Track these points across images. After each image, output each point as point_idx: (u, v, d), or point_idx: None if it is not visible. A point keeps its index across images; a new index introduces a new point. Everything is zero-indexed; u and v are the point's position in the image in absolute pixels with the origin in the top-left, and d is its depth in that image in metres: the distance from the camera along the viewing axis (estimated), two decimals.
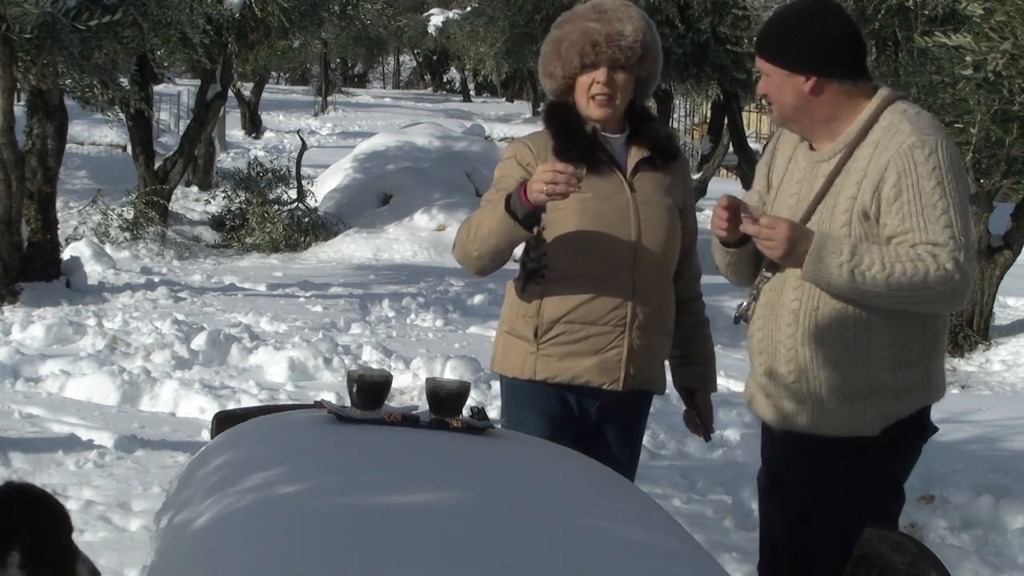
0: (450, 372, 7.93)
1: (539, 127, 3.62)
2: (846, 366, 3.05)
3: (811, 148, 3.18)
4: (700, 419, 3.77)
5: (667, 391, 3.70)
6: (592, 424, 3.52)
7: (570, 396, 3.49)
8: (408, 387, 7.81)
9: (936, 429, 3.22)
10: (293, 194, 16.49)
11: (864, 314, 3.03)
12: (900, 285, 2.95)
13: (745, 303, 3.24)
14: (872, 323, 3.04)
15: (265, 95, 31.42)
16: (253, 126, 29.29)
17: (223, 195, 16.59)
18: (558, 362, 3.45)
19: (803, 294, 3.06)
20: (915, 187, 2.97)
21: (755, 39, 3.18)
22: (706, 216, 17.67)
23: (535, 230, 3.39)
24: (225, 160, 21.94)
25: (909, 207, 2.97)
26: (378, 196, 16.83)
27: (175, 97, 26.34)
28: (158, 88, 19.10)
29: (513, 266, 3.66)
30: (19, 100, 11.62)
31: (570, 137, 3.46)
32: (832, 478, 3.11)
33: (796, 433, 3.13)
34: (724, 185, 23.84)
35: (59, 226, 11.24)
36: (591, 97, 3.45)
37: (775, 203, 3.22)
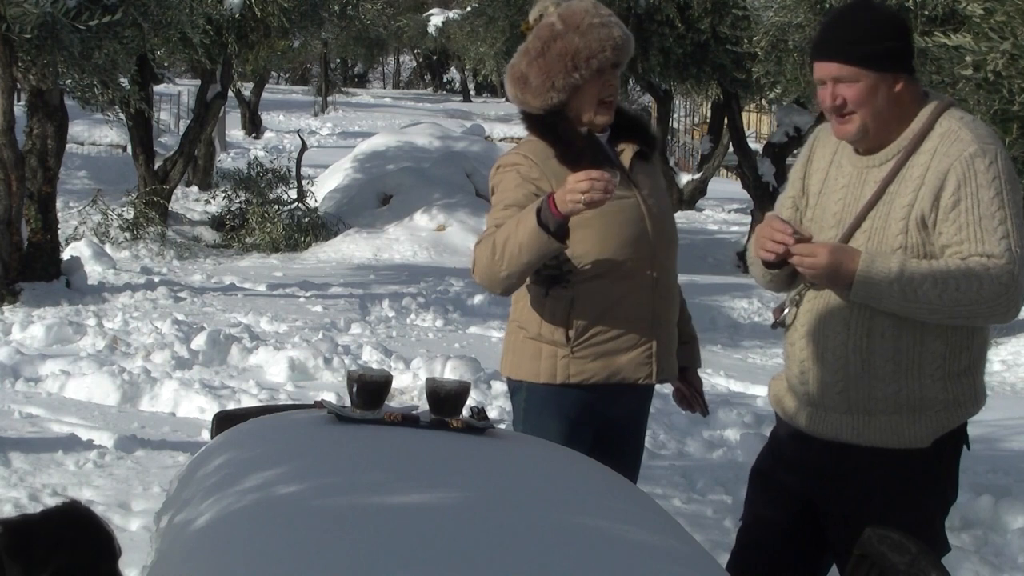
0: (450, 372, 7.93)
1: None
2: (897, 376, 3.00)
3: (857, 152, 3.09)
4: (696, 393, 3.78)
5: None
6: (609, 422, 3.53)
7: (594, 397, 3.49)
8: (408, 387, 7.81)
9: (969, 445, 3.18)
10: (293, 194, 16.49)
11: (917, 324, 2.98)
12: (955, 300, 2.90)
13: (786, 309, 3.16)
14: (925, 333, 2.99)
15: (265, 95, 31.42)
16: (253, 126, 29.28)
17: (223, 195, 16.59)
18: (592, 363, 3.45)
19: (854, 302, 2.99)
20: (974, 196, 2.91)
21: (827, 46, 3.00)
22: (706, 216, 17.60)
23: (567, 242, 3.34)
24: (225, 160, 21.95)
25: (967, 216, 2.91)
26: (378, 196, 16.83)
27: (175, 97, 26.35)
28: (158, 88, 19.10)
29: None
30: (19, 100, 11.62)
31: (567, 142, 3.44)
32: (879, 488, 3.06)
33: (840, 443, 3.07)
34: (724, 185, 23.84)
35: (59, 226, 11.24)
36: (603, 102, 3.45)
37: (817, 208, 3.14)
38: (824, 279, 2.99)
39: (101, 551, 2.69)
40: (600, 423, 3.52)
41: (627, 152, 3.53)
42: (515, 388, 3.59)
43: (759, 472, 3.36)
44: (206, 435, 4.84)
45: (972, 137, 2.95)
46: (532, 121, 3.51)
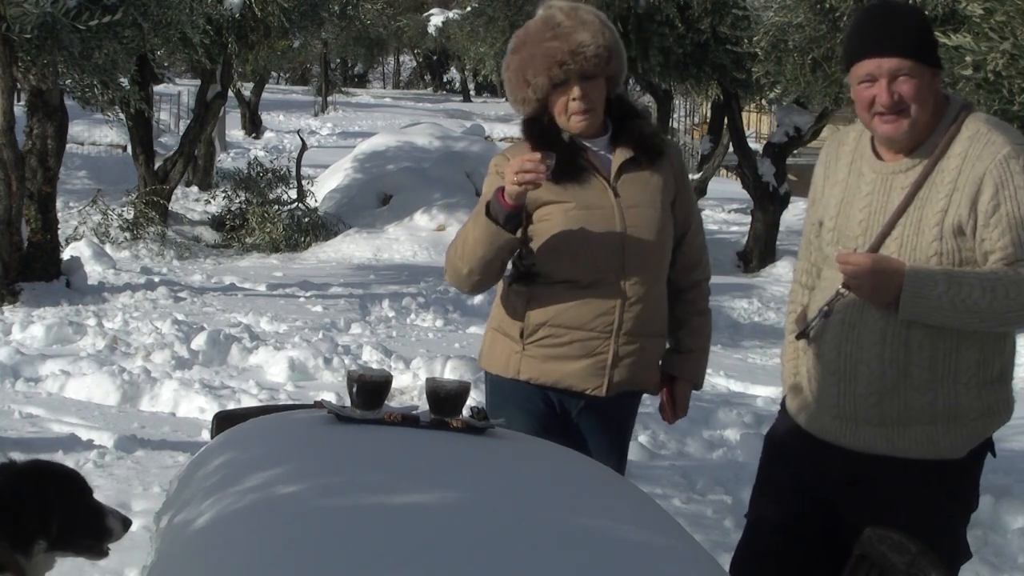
0: (450, 372, 7.93)
1: None
2: (933, 386, 2.95)
3: (879, 158, 3.03)
4: (671, 405, 3.69)
5: None
6: (576, 424, 3.52)
7: (553, 396, 3.49)
8: (408, 387, 7.81)
9: (995, 453, 3.16)
10: (293, 194, 16.49)
11: (954, 331, 2.92)
12: (1006, 307, 2.84)
13: (814, 320, 3.08)
14: (961, 340, 2.94)
15: (265, 95, 31.43)
16: (253, 126, 29.29)
17: (223, 195, 16.59)
18: (542, 364, 3.45)
19: (891, 313, 2.93)
20: (1013, 199, 2.84)
21: (885, 40, 2.90)
22: (707, 216, 17.59)
23: (519, 233, 3.39)
24: (225, 160, 21.95)
25: (1008, 220, 2.84)
26: (378, 196, 16.83)
27: (175, 97, 26.36)
28: (158, 88, 19.10)
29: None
30: (19, 100, 11.62)
31: (548, 147, 3.40)
32: (906, 497, 3.02)
33: (872, 455, 3.02)
34: (724, 185, 23.84)
35: (59, 226, 11.24)
36: (570, 115, 3.42)
37: (839, 219, 3.07)
38: (867, 288, 2.92)
39: (79, 492, 2.77)
40: (567, 424, 3.50)
41: (617, 158, 3.48)
42: (485, 376, 3.65)
43: (768, 474, 3.31)
44: (206, 435, 4.84)
45: (1004, 139, 2.89)
46: (523, 124, 3.54)
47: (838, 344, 3.02)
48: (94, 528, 2.80)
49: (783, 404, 3.28)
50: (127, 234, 14.51)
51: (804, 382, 3.15)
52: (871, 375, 2.98)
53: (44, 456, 5.73)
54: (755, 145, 18.92)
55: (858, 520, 2.97)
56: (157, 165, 15.75)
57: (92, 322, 9.26)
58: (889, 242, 2.96)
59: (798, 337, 3.15)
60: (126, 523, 2.86)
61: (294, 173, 16.83)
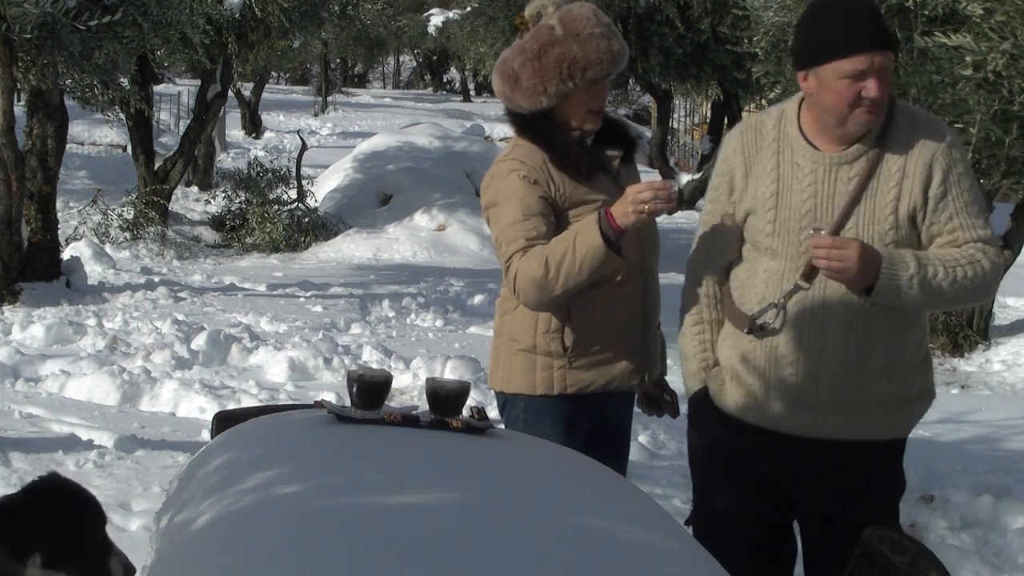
0: (450, 372, 7.94)
1: None
2: (889, 371, 3.04)
3: (815, 148, 3.04)
4: (655, 400, 3.69)
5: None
6: (597, 426, 3.53)
7: (589, 403, 3.47)
8: (408, 387, 7.81)
9: None
10: (293, 194, 16.49)
11: (903, 316, 3.03)
12: (963, 288, 2.96)
13: (766, 313, 3.07)
14: (908, 324, 3.05)
15: (265, 95, 31.41)
16: (253, 126, 29.28)
17: (223, 195, 16.60)
18: (588, 372, 3.42)
19: (855, 301, 2.98)
20: (957, 184, 2.98)
21: (883, 36, 2.95)
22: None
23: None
24: (225, 160, 21.95)
25: (955, 204, 2.97)
26: (378, 196, 16.84)
27: (175, 97, 26.36)
28: (158, 88, 19.12)
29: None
30: (19, 100, 11.63)
31: (563, 148, 3.39)
32: (864, 480, 3.09)
33: (829, 441, 3.06)
34: None
35: (59, 226, 11.25)
36: (592, 111, 3.41)
37: (780, 210, 3.05)
38: (854, 275, 2.92)
39: (90, 519, 2.72)
40: (592, 430, 3.51)
41: (612, 156, 3.51)
42: (509, 402, 3.51)
43: (714, 473, 3.37)
44: (206, 435, 4.84)
45: (942, 126, 3.03)
46: (523, 123, 3.44)
47: (796, 335, 3.04)
48: (93, 562, 2.72)
49: (700, 401, 3.26)
50: (127, 234, 14.52)
51: (745, 375, 3.12)
52: (836, 364, 3.02)
53: (44, 456, 5.75)
54: None
55: (813, 509, 3.12)
56: (157, 165, 15.76)
57: (92, 322, 9.26)
58: (845, 232, 2.99)
59: (749, 331, 3.12)
60: (129, 570, 2.79)
61: (294, 173, 16.84)
